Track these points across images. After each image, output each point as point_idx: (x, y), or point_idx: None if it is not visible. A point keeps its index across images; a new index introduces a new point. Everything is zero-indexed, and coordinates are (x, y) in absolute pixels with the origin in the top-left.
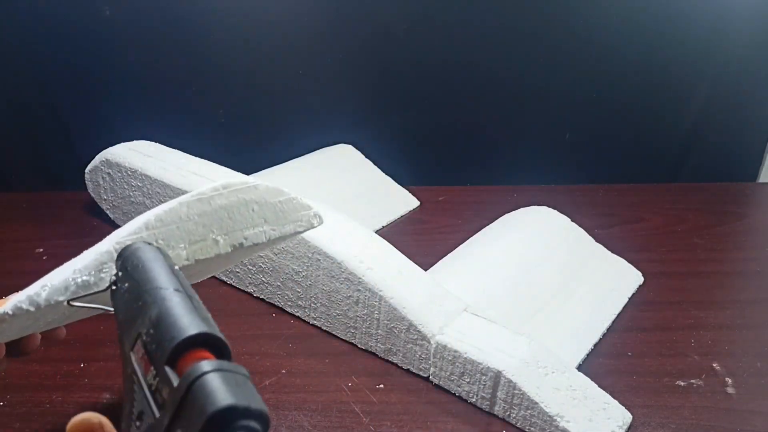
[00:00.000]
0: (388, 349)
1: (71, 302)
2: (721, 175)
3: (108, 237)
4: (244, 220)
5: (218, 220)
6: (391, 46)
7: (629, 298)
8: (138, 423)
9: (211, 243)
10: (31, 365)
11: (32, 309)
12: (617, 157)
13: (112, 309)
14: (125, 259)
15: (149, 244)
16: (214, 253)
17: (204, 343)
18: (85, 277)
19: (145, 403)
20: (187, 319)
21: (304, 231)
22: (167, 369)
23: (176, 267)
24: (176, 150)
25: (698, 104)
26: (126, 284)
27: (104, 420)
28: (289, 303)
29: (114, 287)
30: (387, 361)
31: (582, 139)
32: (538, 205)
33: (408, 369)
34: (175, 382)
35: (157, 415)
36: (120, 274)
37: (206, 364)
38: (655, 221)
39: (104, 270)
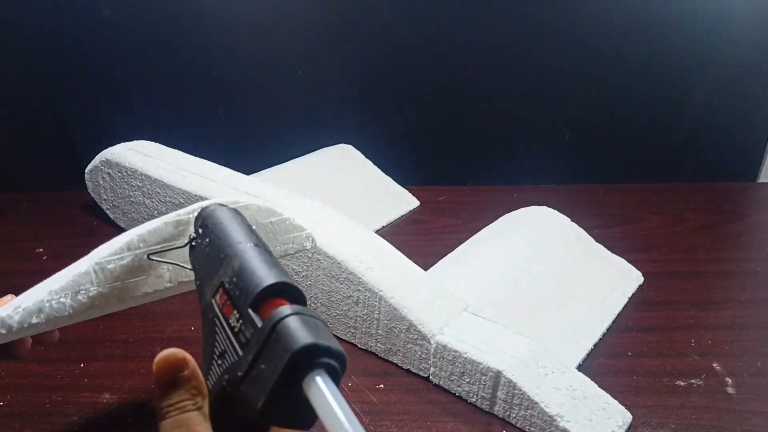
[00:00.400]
0: (388, 349)
1: (151, 256)
2: (721, 175)
3: (86, 257)
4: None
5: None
6: (391, 47)
7: (629, 298)
8: (219, 361)
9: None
10: (31, 365)
11: (3, 332)
12: (617, 157)
13: (188, 266)
14: (204, 218)
15: (224, 205)
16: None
17: (282, 292)
18: (62, 299)
19: (228, 343)
20: (268, 270)
21: (296, 252)
22: (251, 312)
23: (254, 227)
24: (176, 150)
25: (698, 104)
26: (207, 239)
27: (188, 356)
28: None
29: (193, 243)
30: (387, 361)
31: (582, 139)
32: (538, 205)
33: (408, 369)
34: (259, 323)
35: (240, 353)
36: (200, 231)
37: (288, 308)
38: (655, 221)
39: (81, 291)
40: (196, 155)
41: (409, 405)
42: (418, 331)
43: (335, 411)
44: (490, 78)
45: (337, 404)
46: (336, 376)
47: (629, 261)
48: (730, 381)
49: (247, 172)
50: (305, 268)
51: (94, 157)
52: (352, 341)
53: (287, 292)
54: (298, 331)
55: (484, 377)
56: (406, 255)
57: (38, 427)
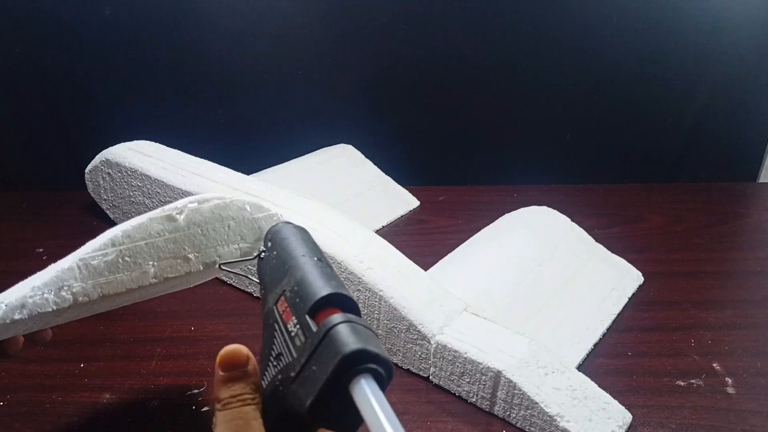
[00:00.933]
0: (388, 349)
1: (222, 266)
2: (721, 175)
3: (71, 254)
4: (219, 237)
5: (190, 237)
6: (391, 47)
7: (629, 298)
8: (275, 363)
9: (181, 260)
10: (31, 365)
11: None
12: (617, 157)
13: (255, 278)
14: (274, 233)
15: (290, 223)
16: (185, 270)
17: (340, 303)
18: (46, 295)
19: (284, 346)
20: (327, 281)
21: None
22: (308, 318)
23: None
24: (176, 150)
25: (698, 104)
26: (274, 252)
27: (251, 353)
28: None
29: (262, 256)
30: None
31: (582, 139)
32: (538, 205)
33: (408, 369)
34: (314, 328)
35: (295, 355)
36: (269, 244)
37: (341, 316)
38: (655, 221)
39: (64, 288)
40: (196, 155)
41: (409, 405)
42: (418, 331)
43: (378, 414)
44: (490, 78)
45: (380, 408)
46: (382, 383)
47: (629, 261)
48: (730, 381)
49: (247, 172)
50: None
51: (94, 157)
52: None
53: (343, 302)
54: (349, 337)
55: (484, 377)
56: (406, 255)
57: (38, 427)
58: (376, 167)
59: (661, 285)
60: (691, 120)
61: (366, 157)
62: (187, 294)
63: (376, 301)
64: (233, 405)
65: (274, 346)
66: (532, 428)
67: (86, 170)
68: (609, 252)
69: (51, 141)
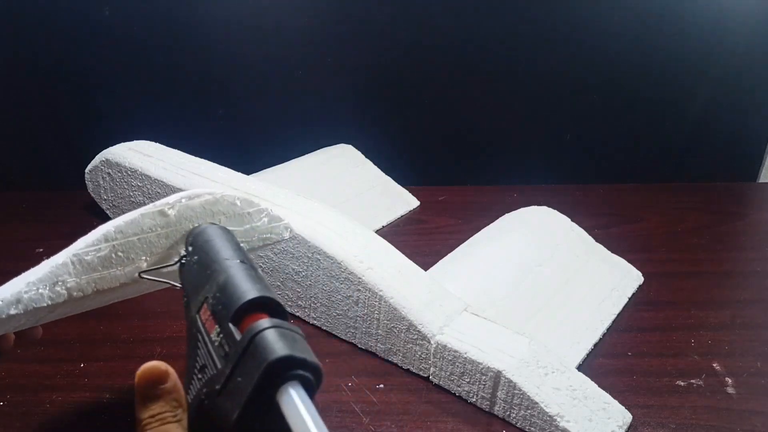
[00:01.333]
0: (388, 349)
1: (142, 275)
2: (721, 175)
3: (65, 250)
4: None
5: (182, 232)
6: (391, 47)
7: (629, 298)
8: (199, 375)
9: (175, 255)
10: (31, 365)
11: None
12: (617, 157)
13: (178, 284)
14: (195, 236)
15: (216, 224)
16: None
17: (264, 307)
18: (41, 290)
19: (208, 357)
20: (251, 285)
21: (274, 243)
22: (231, 326)
23: (242, 245)
24: (176, 150)
25: (698, 104)
26: (195, 257)
27: (171, 369)
28: (289, 303)
29: (183, 261)
30: (387, 361)
31: (582, 139)
32: (538, 205)
33: (408, 369)
34: (238, 337)
35: (219, 366)
36: (190, 249)
37: (267, 322)
38: (655, 221)
39: (59, 284)
40: (196, 155)
41: (409, 405)
42: (418, 331)
43: (307, 423)
44: (490, 78)
45: (309, 416)
46: (311, 389)
47: (629, 261)
48: (730, 381)
49: (247, 172)
50: (305, 268)
51: (94, 157)
52: (352, 341)
53: (269, 306)
54: (274, 343)
55: (484, 377)
56: (406, 255)
57: (38, 427)
58: (376, 167)
59: (661, 285)
60: (692, 120)
61: (366, 157)
62: None
63: (376, 301)
64: (153, 425)
65: (198, 358)
66: (532, 428)
67: (86, 170)
68: (609, 252)
69: (51, 141)
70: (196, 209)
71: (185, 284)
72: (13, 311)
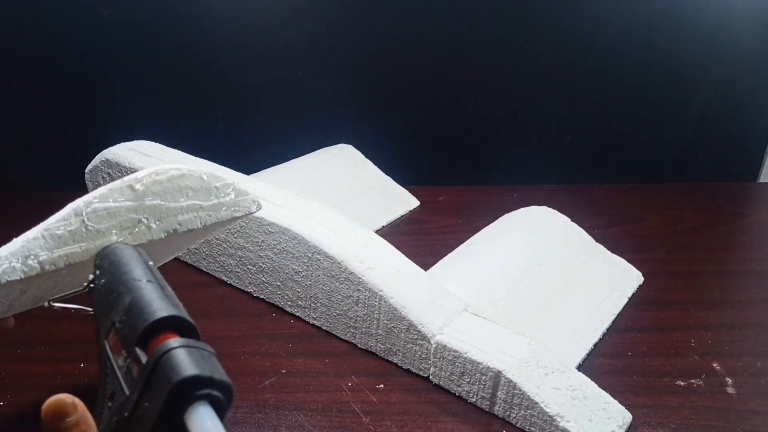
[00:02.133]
0: (388, 349)
1: (51, 302)
2: (721, 175)
3: (37, 226)
4: (178, 206)
5: (151, 206)
6: (391, 46)
7: (629, 298)
8: (110, 403)
9: (144, 229)
10: (31, 365)
11: None
12: (617, 157)
13: (90, 309)
14: (102, 258)
15: (125, 244)
16: (147, 239)
17: (174, 326)
18: (13, 263)
19: (116, 383)
20: (158, 305)
21: (242, 216)
22: (137, 350)
23: (151, 263)
24: (176, 150)
25: (699, 104)
26: (102, 280)
27: (77, 401)
28: (289, 303)
29: (92, 285)
30: (387, 361)
31: (582, 139)
32: (538, 205)
33: (408, 369)
34: (144, 359)
35: (128, 392)
36: (97, 272)
37: (173, 341)
38: (655, 221)
39: (31, 257)
40: (196, 155)
41: (409, 405)
42: (418, 331)
43: None
44: (490, 78)
45: None
46: (221, 408)
47: (629, 261)
48: (730, 381)
49: (247, 172)
50: (305, 268)
51: (93, 157)
52: (352, 341)
53: (178, 325)
54: (181, 363)
55: (484, 377)
56: (406, 255)
57: (38, 427)
58: (376, 167)
59: (661, 285)
60: (692, 120)
61: (366, 157)
62: (188, 294)
63: (376, 301)
64: None
65: (107, 385)
66: (532, 428)
67: (86, 170)
68: (609, 252)
69: (51, 141)
70: (163, 183)
71: (95, 309)
72: None
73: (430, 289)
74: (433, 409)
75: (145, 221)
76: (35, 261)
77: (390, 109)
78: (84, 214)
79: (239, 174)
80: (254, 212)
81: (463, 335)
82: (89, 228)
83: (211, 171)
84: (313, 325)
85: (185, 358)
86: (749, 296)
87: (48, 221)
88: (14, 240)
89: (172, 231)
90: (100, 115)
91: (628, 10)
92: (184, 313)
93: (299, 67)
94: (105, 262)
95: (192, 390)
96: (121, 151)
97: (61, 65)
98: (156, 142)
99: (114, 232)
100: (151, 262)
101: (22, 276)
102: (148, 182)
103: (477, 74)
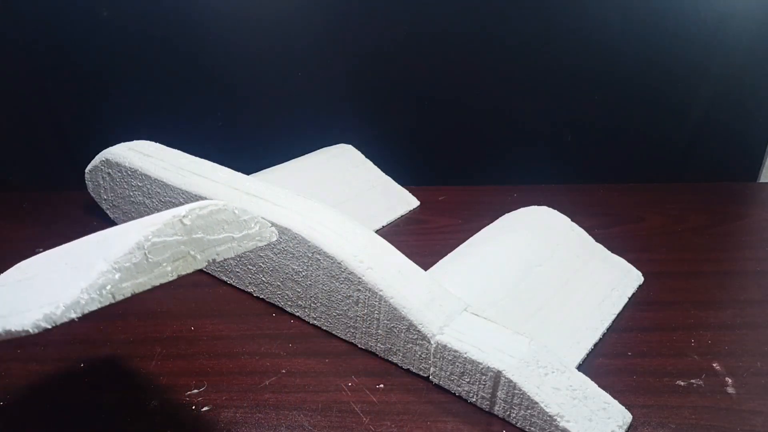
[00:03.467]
0: (388, 349)
1: None
2: (721, 175)
3: (101, 255)
4: (217, 238)
5: (196, 239)
6: (391, 46)
7: (629, 298)
8: None
9: (190, 260)
10: (32, 365)
11: (49, 327)
12: (617, 157)
13: None
14: None
15: None
16: (192, 268)
17: None
18: (93, 296)
19: None
20: None
21: (264, 245)
22: None
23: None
24: (176, 150)
25: (699, 104)
26: None
27: None
28: (289, 303)
29: None
30: (387, 361)
31: (582, 139)
32: (538, 205)
33: (408, 369)
34: None
35: None
36: None
37: None
38: (655, 221)
39: (105, 289)
40: (196, 155)
41: (409, 405)
42: (418, 331)
43: None
44: (490, 78)
45: None
46: None
47: (629, 261)
48: (730, 381)
49: (247, 172)
50: (305, 268)
51: (93, 157)
52: (352, 341)
53: None
54: None
55: (484, 377)
56: (406, 255)
57: (38, 427)
58: (376, 167)
59: (661, 285)
60: (692, 120)
61: (366, 157)
62: (188, 294)
63: (376, 301)
64: None
65: None
66: (532, 428)
67: (86, 170)
68: (609, 252)
69: (50, 141)
70: (205, 218)
71: None
72: (72, 315)
73: (430, 289)
74: (433, 409)
75: (192, 253)
76: (109, 293)
77: (390, 109)
78: (145, 248)
79: (239, 174)
80: (273, 241)
81: (463, 335)
82: (149, 260)
83: (240, 206)
84: (313, 325)
85: None
86: (749, 296)
87: (113, 254)
88: (75, 266)
89: (211, 260)
90: (100, 115)
91: (628, 10)
92: None
93: (299, 67)
94: None
95: None
96: (121, 151)
97: (60, 65)
98: (156, 142)
99: (167, 263)
100: (239, 248)
101: (98, 306)
102: (194, 217)
103: (477, 74)
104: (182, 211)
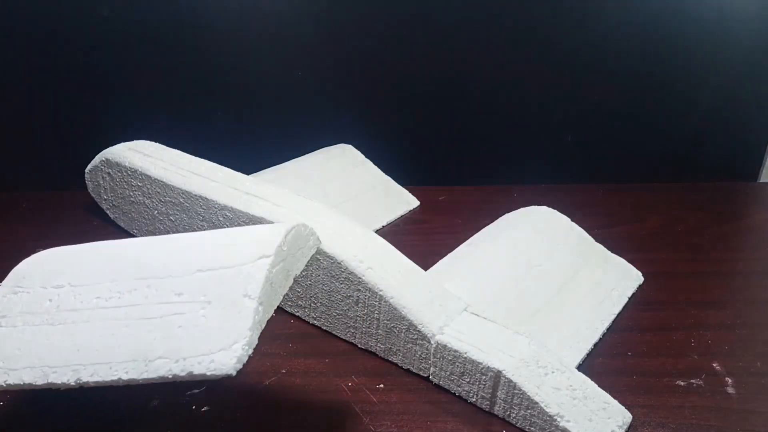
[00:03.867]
0: (388, 349)
1: None
2: (721, 175)
3: (241, 293)
4: (299, 259)
5: (290, 260)
6: (391, 46)
7: (629, 298)
8: None
9: (288, 280)
10: None
11: (240, 367)
12: (617, 157)
13: None
14: None
15: None
16: (288, 285)
17: None
18: (255, 332)
19: None
20: None
21: (313, 252)
22: None
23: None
24: (176, 150)
25: (699, 105)
26: None
27: None
28: (289, 303)
29: None
30: (387, 361)
31: (582, 139)
32: (538, 205)
33: (408, 369)
34: None
35: None
36: None
37: None
38: (655, 221)
39: (255, 329)
40: (196, 155)
41: (409, 405)
42: (418, 331)
43: None
44: (490, 78)
45: None
46: None
47: (629, 261)
48: (730, 381)
49: (247, 172)
50: (305, 267)
51: (93, 157)
52: (352, 341)
53: None
54: None
55: (484, 377)
56: (406, 255)
57: (38, 427)
58: (376, 167)
59: (661, 285)
60: (692, 120)
61: (366, 157)
62: None
63: (376, 301)
64: None
65: None
66: (532, 428)
67: (86, 170)
68: (609, 252)
69: (51, 141)
70: (290, 241)
71: None
72: (251, 352)
73: (430, 289)
74: (433, 409)
75: (289, 272)
76: (257, 331)
77: (390, 109)
78: (271, 279)
79: (239, 174)
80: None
81: (463, 335)
82: (273, 288)
83: (306, 223)
84: (313, 325)
85: None
86: (749, 296)
87: (252, 290)
88: (228, 306)
89: (294, 276)
90: (100, 115)
91: (629, 10)
92: None
93: (299, 67)
94: None
95: None
96: (121, 151)
97: (60, 65)
98: (156, 142)
99: (281, 287)
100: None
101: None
102: (289, 241)
103: (477, 74)
104: (277, 239)
